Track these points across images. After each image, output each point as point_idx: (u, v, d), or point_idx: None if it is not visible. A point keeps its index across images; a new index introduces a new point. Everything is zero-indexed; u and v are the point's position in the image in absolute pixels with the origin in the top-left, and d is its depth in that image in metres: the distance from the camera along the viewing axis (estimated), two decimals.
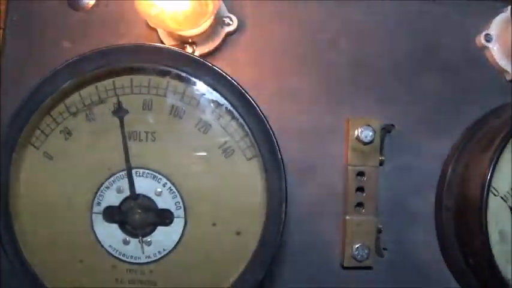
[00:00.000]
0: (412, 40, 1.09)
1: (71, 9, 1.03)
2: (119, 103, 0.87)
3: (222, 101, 0.87)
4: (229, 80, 0.86)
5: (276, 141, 0.86)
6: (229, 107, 0.87)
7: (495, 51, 1.08)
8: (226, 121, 0.88)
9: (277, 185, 0.86)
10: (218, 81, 0.86)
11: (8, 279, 0.98)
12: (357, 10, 1.08)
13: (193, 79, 0.87)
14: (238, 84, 0.86)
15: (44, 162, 0.88)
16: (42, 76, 0.85)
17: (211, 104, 0.87)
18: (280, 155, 0.86)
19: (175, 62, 0.86)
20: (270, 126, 0.86)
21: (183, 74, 0.87)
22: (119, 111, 0.87)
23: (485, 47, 1.09)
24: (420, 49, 1.09)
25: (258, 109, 0.86)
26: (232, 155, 0.88)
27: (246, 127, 0.87)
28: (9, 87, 1.02)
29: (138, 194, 0.88)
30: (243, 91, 0.86)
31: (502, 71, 1.09)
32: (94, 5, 1.04)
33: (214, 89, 0.87)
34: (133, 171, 0.88)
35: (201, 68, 0.86)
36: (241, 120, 0.87)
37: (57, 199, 0.88)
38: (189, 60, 0.87)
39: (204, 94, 0.87)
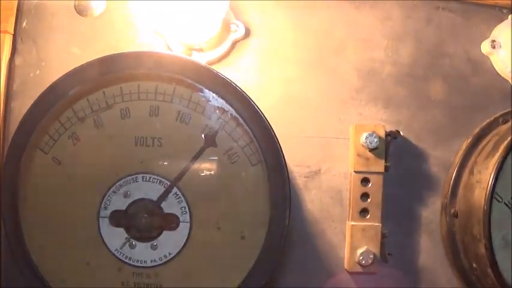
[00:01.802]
0: (418, 47, 1.10)
1: (79, 15, 1.05)
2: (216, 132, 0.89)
3: (227, 107, 0.88)
4: (234, 86, 0.87)
5: (280, 148, 0.87)
6: (234, 113, 0.88)
7: (501, 57, 1.08)
8: (231, 127, 0.89)
9: (281, 191, 0.87)
10: (223, 88, 0.88)
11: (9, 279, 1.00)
12: (363, 17, 1.09)
13: (199, 86, 0.88)
14: (243, 91, 0.87)
15: (52, 166, 0.89)
16: (51, 82, 0.87)
17: (217, 111, 0.89)
18: (284, 161, 0.87)
19: (181, 69, 0.88)
20: (274, 133, 0.87)
21: (189, 81, 0.88)
22: (210, 140, 0.89)
23: (491, 54, 1.09)
24: (426, 56, 1.10)
25: (262, 116, 0.87)
26: (237, 160, 0.89)
27: (250, 133, 0.88)
28: (18, 92, 1.03)
29: (144, 199, 0.90)
30: (247, 98, 0.87)
31: (508, 78, 1.09)
32: (102, 12, 1.05)
33: (220, 96, 0.88)
34: (140, 176, 0.89)
35: (207, 75, 0.87)
36: (246, 126, 0.88)
37: (65, 203, 0.89)
38: (195, 67, 0.88)
39: (210, 101, 0.89)
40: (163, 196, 0.89)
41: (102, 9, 1.05)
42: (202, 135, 0.89)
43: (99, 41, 1.05)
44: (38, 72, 1.04)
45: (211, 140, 0.89)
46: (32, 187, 0.89)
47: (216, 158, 0.89)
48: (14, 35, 1.04)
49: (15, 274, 0.92)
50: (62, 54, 1.05)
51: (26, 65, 1.04)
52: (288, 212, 0.87)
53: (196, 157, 0.89)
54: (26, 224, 0.88)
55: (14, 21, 1.04)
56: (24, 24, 1.05)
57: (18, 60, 1.04)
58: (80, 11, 1.05)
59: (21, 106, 1.00)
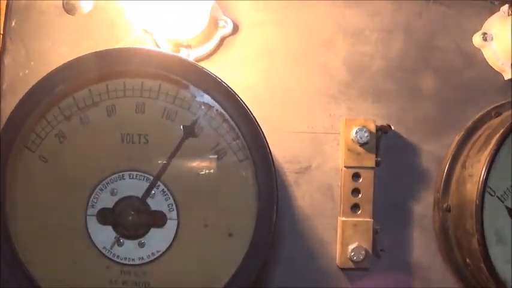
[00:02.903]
0: (408, 40, 1.09)
1: (68, 14, 1.05)
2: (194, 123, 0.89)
3: (213, 103, 0.87)
4: (219, 82, 0.86)
5: (267, 143, 0.86)
6: (220, 109, 0.87)
7: (492, 50, 1.07)
8: (217, 123, 0.88)
9: (269, 187, 0.86)
10: (209, 84, 0.87)
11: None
12: (352, 11, 1.08)
13: (185, 82, 0.87)
14: (228, 87, 0.86)
15: (39, 165, 0.89)
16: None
17: (203, 107, 0.88)
18: (272, 157, 0.86)
19: (167, 66, 0.87)
20: (260, 128, 0.86)
21: (175, 77, 0.87)
22: (189, 131, 0.89)
23: (483, 46, 1.08)
24: (417, 49, 1.09)
25: (248, 111, 0.86)
26: (224, 157, 0.89)
27: (237, 130, 0.87)
28: (8, 92, 1.03)
29: (131, 196, 0.89)
30: (233, 93, 0.86)
31: (500, 70, 1.08)
32: (90, 11, 1.05)
33: (206, 92, 0.87)
34: (127, 173, 0.89)
35: (192, 71, 0.87)
36: (232, 122, 0.87)
37: (52, 201, 0.89)
38: (181, 63, 0.87)
39: (196, 97, 0.88)
40: (148, 192, 0.88)
41: (90, 8, 1.05)
42: (181, 127, 0.88)
43: (88, 40, 1.05)
44: (27, 71, 1.04)
45: (190, 131, 0.88)
46: (19, 186, 0.89)
47: (203, 154, 0.89)
48: (3, 35, 1.04)
49: (4, 274, 0.92)
50: (51, 53, 1.05)
51: (15, 65, 1.04)
52: (275, 208, 0.86)
53: (177, 149, 0.88)
54: (14, 222, 0.88)
55: (3, 21, 1.04)
56: (13, 23, 1.05)
57: (7, 60, 1.04)
58: (69, 10, 1.05)
59: (11, 106, 0.97)
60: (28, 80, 1.03)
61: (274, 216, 0.86)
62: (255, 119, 0.86)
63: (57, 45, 1.05)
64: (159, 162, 0.88)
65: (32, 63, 1.04)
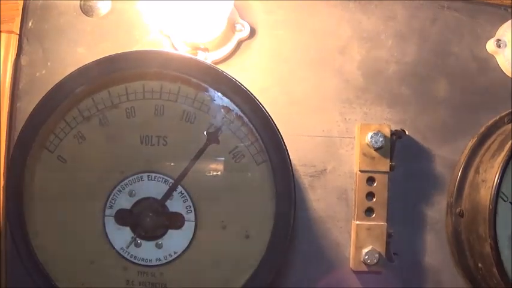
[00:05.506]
0: (423, 46, 1.09)
1: (85, 15, 1.05)
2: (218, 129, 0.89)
3: (232, 106, 0.88)
4: (239, 85, 0.87)
5: (285, 146, 0.87)
6: (239, 112, 0.88)
7: (506, 56, 1.08)
8: (236, 126, 0.89)
9: (286, 190, 0.87)
10: (228, 87, 0.88)
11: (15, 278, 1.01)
12: (368, 16, 1.09)
13: (204, 85, 0.88)
14: (248, 90, 0.87)
15: (57, 165, 0.90)
16: (57, 81, 0.88)
17: (222, 110, 0.89)
18: (289, 160, 0.87)
19: (186, 68, 0.88)
20: (279, 131, 0.87)
21: (194, 80, 0.88)
22: (212, 137, 0.89)
23: (496, 53, 1.09)
24: (431, 55, 1.09)
25: (267, 115, 0.87)
26: (242, 159, 0.89)
27: (255, 132, 0.88)
28: (24, 92, 1.04)
29: (149, 198, 0.90)
30: (252, 97, 0.87)
31: None
32: (108, 12, 1.05)
33: (225, 95, 0.88)
34: (146, 175, 0.89)
35: (212, 74, 0.88)
36: (251, 125, 0.88)
37: (70, 202, 0.90)
38: (200, 66, 0.88)
39: (215, 100, 0.89)
40: (168, 194, 0.89)
41: (107, 9, 1.06)
42: (205, 132, 0.89)
43: (105, 41, 1.05)
44: (43, 72, 1.04)
45: (213, 137, 0.89)
46: (37, 186, 0.89)
47: (221, 157, 0.89)
48: (20, 35, 1.04)
49: (20, 273, 0.93)
50: (68, 54, 1.05)
51: (31, 65, 1.04)
52: (293, 211, 0.87)
53: (199, 154, 0.89)
54: (32, 222, 0.89)
55: (19, 22, 1.04)
56: (30, 24, 1.05)
57: (24, 60, 1.04)
58: (86, 11, 1.06)
59: (27, 106, 1.00)
60: (45, 80, 1.03)
61: (292, 219, 0.87)
62: (274, 122, 0.87)
63: (74, 46, 1.05)
64: (178, 164, 0.89)
65: (49, 63, 1.04)
